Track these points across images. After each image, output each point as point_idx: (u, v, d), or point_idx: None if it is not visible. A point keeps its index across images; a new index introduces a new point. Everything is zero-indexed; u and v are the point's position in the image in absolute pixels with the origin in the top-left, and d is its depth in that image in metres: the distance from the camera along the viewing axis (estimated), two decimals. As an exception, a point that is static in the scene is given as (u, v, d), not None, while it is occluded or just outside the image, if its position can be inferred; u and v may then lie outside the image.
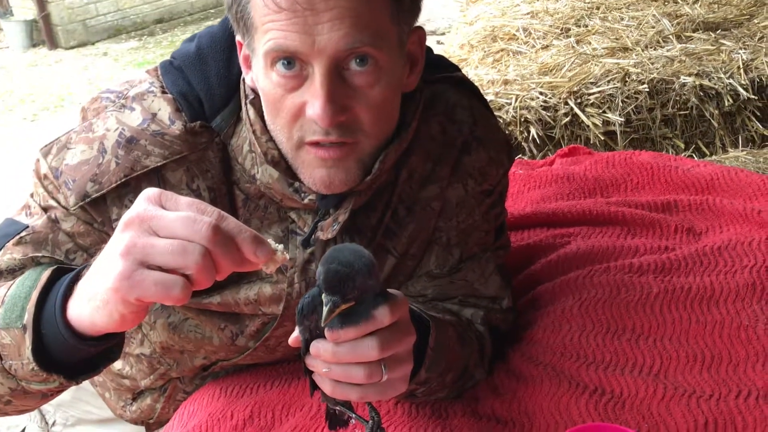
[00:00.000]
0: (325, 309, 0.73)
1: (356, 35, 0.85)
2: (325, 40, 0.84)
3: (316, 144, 0.91)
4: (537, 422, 1.07)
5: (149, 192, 0.73)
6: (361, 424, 0.90)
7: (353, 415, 0.90)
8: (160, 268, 0.70)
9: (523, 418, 1.08)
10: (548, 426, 1.06)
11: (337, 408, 0.91)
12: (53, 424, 1.46)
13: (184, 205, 0.72)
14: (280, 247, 0.74)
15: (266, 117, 0.96)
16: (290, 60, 0.87)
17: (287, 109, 0.91)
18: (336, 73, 0.87)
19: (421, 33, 0.99)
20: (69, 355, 0.83)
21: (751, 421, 1.00)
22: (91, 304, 0.76)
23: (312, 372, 0.83)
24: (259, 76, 0.92)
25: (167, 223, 0.70)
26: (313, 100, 0.87)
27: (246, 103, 0.98)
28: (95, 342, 0.81)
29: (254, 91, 0.97)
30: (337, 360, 0.79)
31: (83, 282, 0.79)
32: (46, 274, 0.85)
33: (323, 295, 0.73)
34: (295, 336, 0.82)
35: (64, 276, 0.83)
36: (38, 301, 0.82)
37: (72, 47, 7.07)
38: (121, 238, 0.71)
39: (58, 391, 0.91)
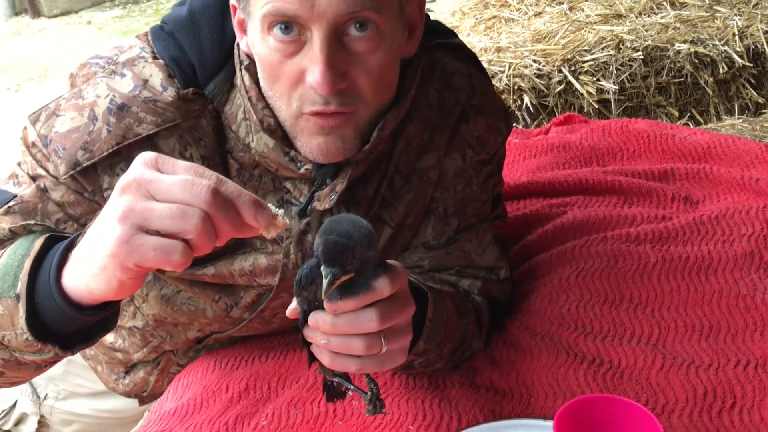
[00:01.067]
0: (324, 281, 0.71)
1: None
2: (325, 3, 0.82)
3: (315, 114, 0.89)
4: (535, 393, 1.06)
5: (146, 156, 0.71)
6: (359, 396, 0.89)
7: (351, 387, 0.89)
8: (159, 233, 0.68)
9: (522, 389, 1.08)
10: (546, 396, 1.05)
11: (335, 380, 0.90)
12: (45, 397, 1.45)
13: (182, 169, 0.70)
14: (281, 211, 0.72)
15: (262, 83, 0.93)
16: (288, 24, 0.85)
17: (286, 75, 0.88)
18: (335, 38, 0.85)
19: None
20: (64, 325, 0.81)
21: (750, 390, 1.00)
22: (87, 271, 0.73)
23: (310, 343, 0.82)
24: (255, 41, 0.89)
25: (165, 186, 0.68)
26: (313, 66, 0.85)
27: (241, 69, 0.95)
28: (91, 311, 0.79)
29: (249, 56, 0.94)
30: (336, 331, 0.78)
31: (78, 249, 0.76)
32: (39, 242, 0.82)
33: (322, 267, 0.71)
34: (293, 307, 0.81)
35: (58, 244, 0.81)
36: (31, 270, 0.80)
37: (55, 16, 6.93)
38: (118, 203, 0.69)
39: (53, 361, 0.89)
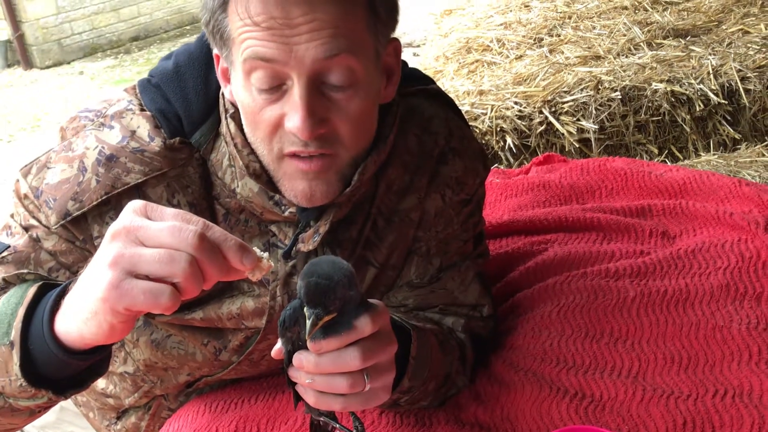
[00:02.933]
0: (308, 322, 0.73)
1: (334, 43, 0.86)
2: (302, 50, 0.85)
3: (296, 155, 0.92)
4: (519, 427, 1.08)
5: (135, 204, 0.74)
6: None
7: (337, 426, 0.91)
8: (148, 278, 0.71)
9: (506, 424, 1.09)
10: (531, 430, 1.07)
11: (321, 419, 0.92)
12: (37, 445, 1.45)
13: (169, 216, 0.72)
14: (266, 254, 0.75)
15: (246, 130, 0.96)
16: (269, 75, 0.88)
17: (266, 121, 0.91)
18: (315, 86, 0.88)
19: (396, 44, 1.00)
20: (57, 370, 0.83)
21: (728, 420, 1.02)
22: (79, 316, 0.76)
23: (295, 384, 0.84)
24: (238, 88, 0.93)
25: (154, 233, 0.71)
26: (293, 112, 0.88)
27: (226, 118, 0.99)
28: (83, 355, 0.81)
29: (234, 104, 0.98)
30: (320, 371, 0.80)
31: (70, 295, 0.79)
32: (32, 290, 0.85)
33: (305, 309, 0.74)
34: (277, 348, 0.83)
35: (51, 291, 0.83)
36: (25, 317, 0.82)
37: (47, 67, 7.02)
38: (108, 249, 0.72)
39: (46, 407, 0.91)
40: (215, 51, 0.97)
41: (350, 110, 0.91)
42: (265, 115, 0.91)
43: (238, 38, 0.88)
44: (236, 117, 0.97)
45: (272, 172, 0.97)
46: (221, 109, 1.01)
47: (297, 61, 0.86)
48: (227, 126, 0.99)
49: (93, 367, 0.86)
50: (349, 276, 0.75)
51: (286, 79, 0.89)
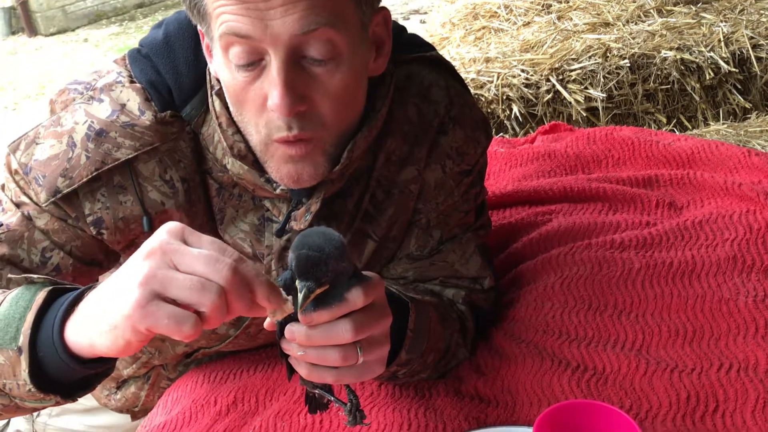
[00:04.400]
0: (300, 295, 0.72)
1: (312, 17, 0.82)
2: (278, 25, 0.82)
3: (282, 141, 0.90)
4: (520, 400, 1.07)
5: (172, 225, 0.73)
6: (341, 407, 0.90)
7: (332, 398, 0.90)
8: (175, 302, 0.70)
9: (506, 396, 1.08)
10: (531, 403, 1.06)
11: (316, 391, 0.91)
12: (38, 414, 1.46)
13: (206, 243, 0.72)
14: (290, 298, 0.75)
15: (231, 109, 0.94)
16: (246, 51, 0.85)
17: (250, 101, 0.89)
18: (293, 61, 0.85)
19: (386, 13, 0.96)
20: (67, 376, 0.81)
21: (732, 394, 1.01)
22: (96, 327, 0.74)
23: (288, 356, 0.83)
24: (219, 65, 0.90)
25: (189, 259, 0.70)
26: (272, 89, 0.85)
27: (212, 95, 0.96)
28: (94, 364, 0.80)
29: (219, 81, 0.95)
30: (312, 343, 0.78)
31: (87, 304, 0.77)
32: (42, 294, 0.82)
33: (297, 282, 0.72)
34: (270, 320, 0.82)
35: (62, 297, 0.81)
36: (34, 324, 0.80)
37: (52, 34, 6.98)
38: (140, 267, 0.71)
39: (53, 406, 0.90)
40: (199, 27, 0.93)
41: (332, 85, 0.88)
42: (248, 95, 0.88)
43: (213, 13, 0.85)
44: (221, 94, 0.95)
45: (259, 154, 0.94)
46: (207, 85, 0.98)
47: (273, 37, 0.82)
48: (212, 104, 0.96)
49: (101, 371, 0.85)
50: (341, 248, 0.73)
51: (264, 54, 0.85)
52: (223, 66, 0.89)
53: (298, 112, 0.87)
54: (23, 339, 0.79)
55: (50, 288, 0.83)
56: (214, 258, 0.70)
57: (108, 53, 6.36)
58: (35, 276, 0.86)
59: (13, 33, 7.13)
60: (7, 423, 1.50)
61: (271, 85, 0.85)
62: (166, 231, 0.72)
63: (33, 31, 7.00)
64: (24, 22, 6.95)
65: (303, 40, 0.84)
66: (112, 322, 0.72)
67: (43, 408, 0.90)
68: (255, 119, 0.91)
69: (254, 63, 0.86)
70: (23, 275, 0.86)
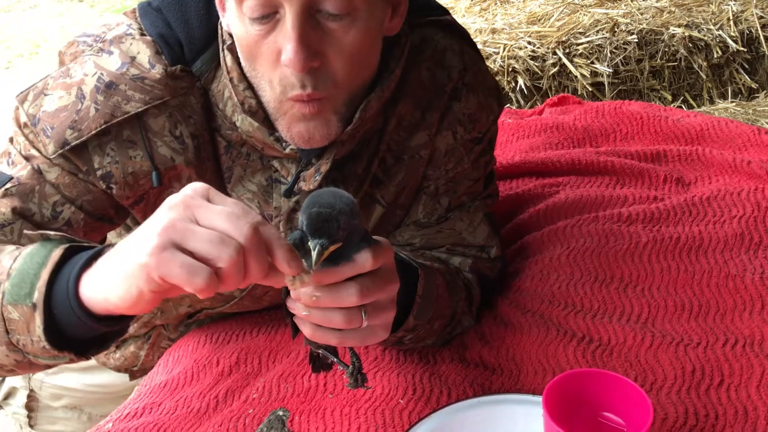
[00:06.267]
0: (314, 253, 0.71)
1: None
2: None
3: (297, 99, 0.88)
4: (525, 369, 1.07)
5: (197, 185, 0.71)
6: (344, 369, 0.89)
7: (335, 360, 0.89)
8: (192, 255, 0.68)
9: (511, 365, 1.08)
10: (536, 372, 1.06)
11: (320, 351, 0.91)
12: (35, 371, 1.45)
13: (229, 203, 0.70)
14: (311, 270, 0.73)
15: (243, 63, 0.92)
16: (260, 2, 0.83)
17: (264, 56, 0.87)
18: (308, 15, 0.84)
19: None
20: (81, 333, 0.80)
21: (737, 368, 1.01)
22: (111, 278, 0.73)
23: (293, 315, 0.82)
24: (232, 18, 0.88)
25: (211, 214, 0.69)
26: (285, 43, 0.84)
27: (223, 49, 0.94)
28: (108, 322, 0.78)
29: (231, 35, 0.93)
30: (317, 304, 0.77)
31: (106, 257, 0.76)
32: (58, 252, 0.80)
33: (309, 241, 0.71)
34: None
35: (79, 255, 0.79)
36: (49, 280, 0.78)
37: (47, -8, 6.87)
38: (161, 217, 0.69)
39: (66, 363, 0.89)
40: None
41: (346, 42, 0.86)
42: (261, 49, 0.87)
43: None
44: (233, 49, 0.93)
45: (271, 111, 0.93)
46: (219, 39, 0.96)
47: None
48: (224, 58, 0.94)
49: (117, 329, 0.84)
50: (351, 205, 0.72)
51: (278, 7, 0.84)
52: (236, 19, 0.87)
53: (311, 69, 0.86)
54: (38, 295, 0.78)
55: (67, 245, 0.81)
56: (236, 215, 0.69)
57: (103, 13, 6.27)
58: (51, 233, 0.84)
59: (8, -10, 7.01)
60: (2, 380, 1.49)
61: (285, 39, 0.84)
62: (192, 188, 0.71)
63: (28, -11, 6.88)
64: (19, -21, 6.84)
65: None
66: (127, 271, 0.71)
67: (56, 365, 0.88)
68: (269, 74, 0.89)
69: (268, 16, 0.85)
70: (39, 231, 0.84)
